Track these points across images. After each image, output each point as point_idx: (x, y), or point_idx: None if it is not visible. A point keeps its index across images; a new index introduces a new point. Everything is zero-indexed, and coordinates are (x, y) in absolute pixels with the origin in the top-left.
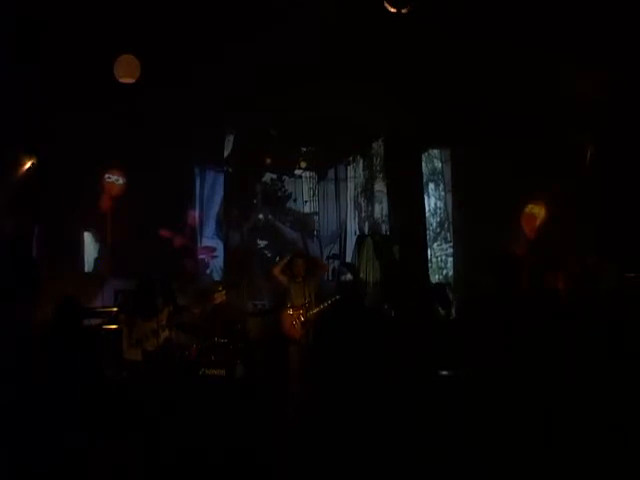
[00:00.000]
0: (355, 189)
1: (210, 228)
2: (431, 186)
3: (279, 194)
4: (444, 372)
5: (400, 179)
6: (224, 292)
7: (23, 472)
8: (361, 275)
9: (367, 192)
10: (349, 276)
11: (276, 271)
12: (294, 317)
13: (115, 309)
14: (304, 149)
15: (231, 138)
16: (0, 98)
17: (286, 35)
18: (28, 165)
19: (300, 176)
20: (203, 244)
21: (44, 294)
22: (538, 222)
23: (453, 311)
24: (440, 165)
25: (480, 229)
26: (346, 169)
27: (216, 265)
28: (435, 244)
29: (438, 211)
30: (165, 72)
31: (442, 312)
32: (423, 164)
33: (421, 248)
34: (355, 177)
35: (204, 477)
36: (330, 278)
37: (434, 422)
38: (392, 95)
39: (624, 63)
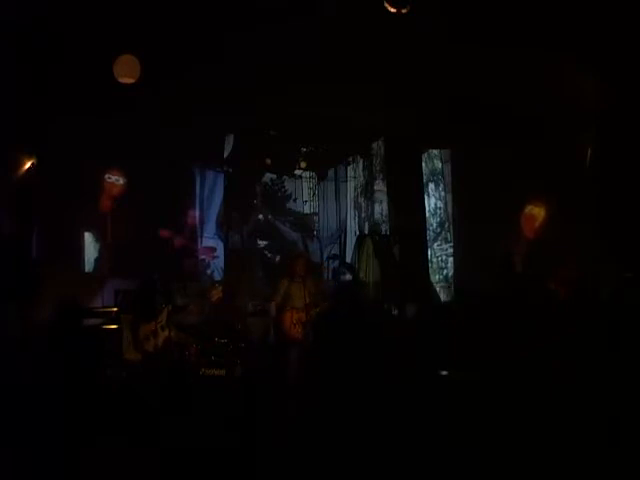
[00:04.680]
0: (355, 189)
1: (210, 228)
2: (431, 186)
3: (279, 194)
4: (444, 372)
5: (400, 179)
6: (220, 288)
7: (23, 472)
8: (361, 275)
9: (367, 192)
10: (348, 276)
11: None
12: (294, 317)
13: (115, 309)
14: (304, 149)
15: (231, 138)
16: (0, 98)
17: (286, 35)
18: (28, 165)
19: (300, 176)
20: (204, 244)
21: (44, 294)
22: (538, 222)
23: (453, 311)
24: (440, 165)
25: (480, 229)
26: (346, 169)
27: (217, 265)
28: (435, 244)
29: (438, 211)
30: (165, 72)
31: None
32: (423, 164)
33: (421, 248)
34: (355, 177)
35: (204, 477)
36: (330, 278)
37: (434, 422)
38: (392, 95)
39: (624, 63)
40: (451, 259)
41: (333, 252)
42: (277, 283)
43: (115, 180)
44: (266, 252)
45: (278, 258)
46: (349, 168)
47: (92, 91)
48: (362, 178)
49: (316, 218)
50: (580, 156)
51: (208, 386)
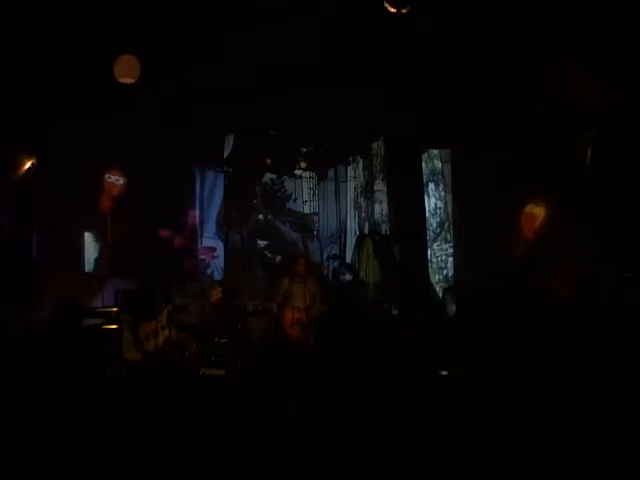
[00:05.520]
0: (355, 189)
1: (210, 228)
2: (431, 186)
3: (279, 194)
4: (444, 372)
5: (400, 179)
6: (220, 289)
7: (23, 472)
8: (361, 275)
9: (367, 192)
10: (348, 276)
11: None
12: (294, 317)
13: (115, 309)
14: (304, 149)
15: (231, 138)
16: (0, 98)
17: (286, 35)
18: (28, 165)
19: (300, 176)
20: (204, 244)
21: (44, 294)
22: (538, 222)
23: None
24: (440, 165)
25: (480, 229)
26: (346, 169)
27: (217, 265)
28: (435, 244)
29: (438, 211)
30: (165, 72)
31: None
32: (423, 164)
33: (421, 248)
34: (355, 177)
35: (204, 477)
36: (330, 278)
37: (434, 422)
38: (392, 95)
39: (624, 63)
40: (451, 259)
41: (333, 252)
42: (277, 283)
43: (115, 180)
44: (266, 252)
45: (278, 258)
46: (349, 168)
47: (92, 91)
48: (362, 178)
49: (316, 218)
50: (580, 156)
51: (208, 386)
